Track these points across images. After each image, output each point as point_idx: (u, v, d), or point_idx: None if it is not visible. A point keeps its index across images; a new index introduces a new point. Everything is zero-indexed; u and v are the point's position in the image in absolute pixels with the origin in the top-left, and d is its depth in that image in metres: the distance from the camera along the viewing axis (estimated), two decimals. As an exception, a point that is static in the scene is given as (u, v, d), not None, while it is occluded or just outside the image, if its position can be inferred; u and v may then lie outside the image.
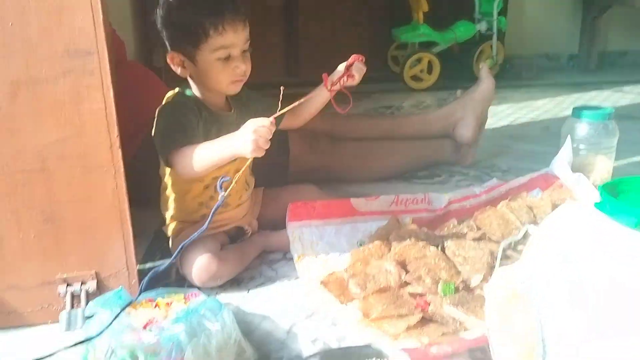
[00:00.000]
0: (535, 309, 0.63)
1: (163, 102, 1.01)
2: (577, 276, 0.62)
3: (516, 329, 0.72)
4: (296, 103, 0.97)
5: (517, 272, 0.68)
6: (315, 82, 1.07)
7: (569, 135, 1.30)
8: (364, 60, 1.06)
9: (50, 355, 0.72)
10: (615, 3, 3.15)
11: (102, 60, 0.79)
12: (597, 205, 0.66)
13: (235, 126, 0.94)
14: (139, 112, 1.15)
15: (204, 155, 0.91)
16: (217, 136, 0.94)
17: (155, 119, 0.98)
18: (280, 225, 1.11)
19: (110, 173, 0.84)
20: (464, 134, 1.58)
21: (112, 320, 0.75)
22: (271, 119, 0.88)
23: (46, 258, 0.86)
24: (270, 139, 0.92)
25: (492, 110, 2.28)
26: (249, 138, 0.87)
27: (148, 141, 1.01)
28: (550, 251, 0.66)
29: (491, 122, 2.11)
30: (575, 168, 1.30)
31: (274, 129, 0.89)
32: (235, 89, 1.02)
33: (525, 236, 1.11)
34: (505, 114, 2.26)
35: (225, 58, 0.97)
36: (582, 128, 1.31)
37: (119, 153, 0.83)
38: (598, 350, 0.58)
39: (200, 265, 0.97)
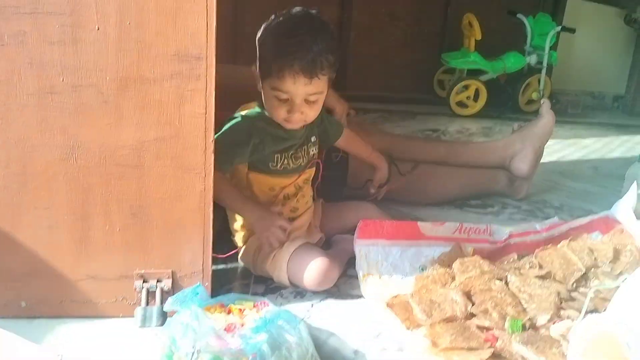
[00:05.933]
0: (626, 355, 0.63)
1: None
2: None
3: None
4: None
5: (608, 318, 0.68)
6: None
7: (634, 182, 1.29)
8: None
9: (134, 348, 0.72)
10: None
11: (209, 67, 0.80)
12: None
13: (299, 140, 1.06)
14: None
15: (223, 197, 0.99)
16: (281, 146, 1.04)
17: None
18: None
19: (201, 175, 0.85)
20: (521, 167, 1.57)
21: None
22: (290, 226, 1.01)
23: (128, 252, 0.87)
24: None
25: (541, 145, 2.27)
26: (261, 231, 1.00)
27: None
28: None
29: (541, 157, 2.10)
30: (637, 214, 1.29)
31: (289, 230, 1.01)
32: (291, 127, 1.03)
33: (587, 277, 1.12)
34: (554, 149, 2.24)
35: (280, 99, 0.98)
36: (649, 175, 1.30)
37: (211, 157, 0.84)
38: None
39: (318, 268, 0.99)
